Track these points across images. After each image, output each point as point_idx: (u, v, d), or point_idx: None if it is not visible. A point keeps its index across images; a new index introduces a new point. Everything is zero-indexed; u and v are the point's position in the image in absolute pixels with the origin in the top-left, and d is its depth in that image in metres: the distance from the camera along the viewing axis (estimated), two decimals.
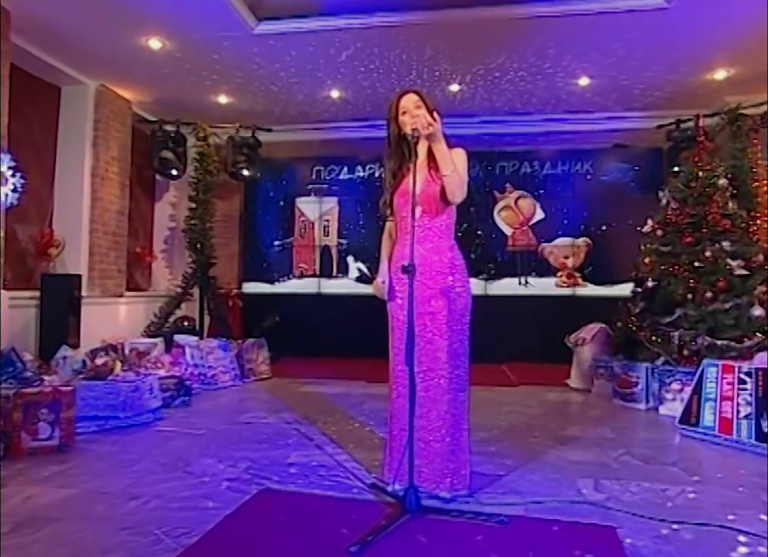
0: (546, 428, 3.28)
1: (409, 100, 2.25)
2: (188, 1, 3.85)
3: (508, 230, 6.27)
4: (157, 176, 6.31)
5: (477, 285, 6.20)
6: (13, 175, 3.98)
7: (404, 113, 2.25)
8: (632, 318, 4.15)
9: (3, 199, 3.93)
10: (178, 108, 5.85)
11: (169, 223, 6.73)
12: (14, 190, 4.00)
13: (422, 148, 2.28)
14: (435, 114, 2.10)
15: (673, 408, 3.53)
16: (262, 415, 3.58)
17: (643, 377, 3.79)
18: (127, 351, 4.67)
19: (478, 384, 4.35)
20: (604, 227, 6.08)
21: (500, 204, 6.30)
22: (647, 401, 3.77)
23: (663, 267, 4.02)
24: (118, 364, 3.83)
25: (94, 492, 2.17)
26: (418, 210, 2.21)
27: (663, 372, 3.71)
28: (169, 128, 5.90)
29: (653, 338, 3.90)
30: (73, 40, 4.41)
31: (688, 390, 3.32)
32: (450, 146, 2.24)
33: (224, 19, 4.05)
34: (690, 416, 3.08)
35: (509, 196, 6.29)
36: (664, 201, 4.26)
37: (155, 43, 4.42)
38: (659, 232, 4.15)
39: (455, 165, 2.16)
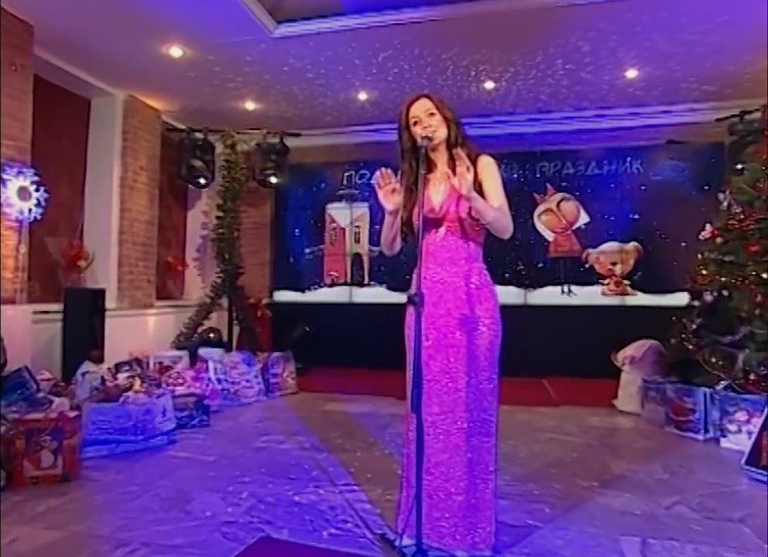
0: (588, 463, 2.93)
1: (421, 108, 1.97)
2: (204, 8, 3.72)
3: (549, 236, 5.87)
4: (182, 185, 6.27)
5: (516, 294, 5.85)
6: (37, 190, 3.96)
7: (415, 123, 1.97)
8: (688, 335, 3.71)
9: (27, 214, 3.92)
10: (206, 116, 5.79)
11: (201, 231, 6.70)
12: (37, 205, 3.97)
13: (441, 157, 2.01)
14: (459, 151, 1.79)
15: (737, 441, 3.10)
16: (280, 438, 3.39)
17: (701, 403, 3.37)
18: (152, 365, 4.61)
19: (516, 402, 4.02)
20: (656, 231, 5.57)
21: (541, 207, 5.90)
22: (706, 431, 3.35)
23: (724, 279, 3.57)
24: (137, 381, 3.73)
25: (82, 535, 2.02)
26: (442, 229, 1.94)
27: (725, 399, 3.27)
28: (197, 135, 5.83)
29: (713, 359, 3.46)
30: (98, 52, 4.39)
31: (756, 422, 2.90)
32: (475, 153, 1.96)
33: (243, 23, 3.90)
34: (760, 456, 2.66)
35: (550, 198, 5.88)
36: (725, 204, 3.80)
37: (175, 51, 4.33)
38: (719, 239, 3.69)
39: (497, 199, 1.90)
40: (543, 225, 5.88)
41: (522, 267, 5.87)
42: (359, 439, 3.41)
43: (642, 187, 5.67)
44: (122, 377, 4.01)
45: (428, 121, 1.94)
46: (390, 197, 1.91)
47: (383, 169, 1.90)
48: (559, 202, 5.83)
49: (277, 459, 2.97)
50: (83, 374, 3.63)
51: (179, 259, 6.52)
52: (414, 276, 1.86)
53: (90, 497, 2.40)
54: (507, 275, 5.78)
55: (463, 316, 1.89)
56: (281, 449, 3.18)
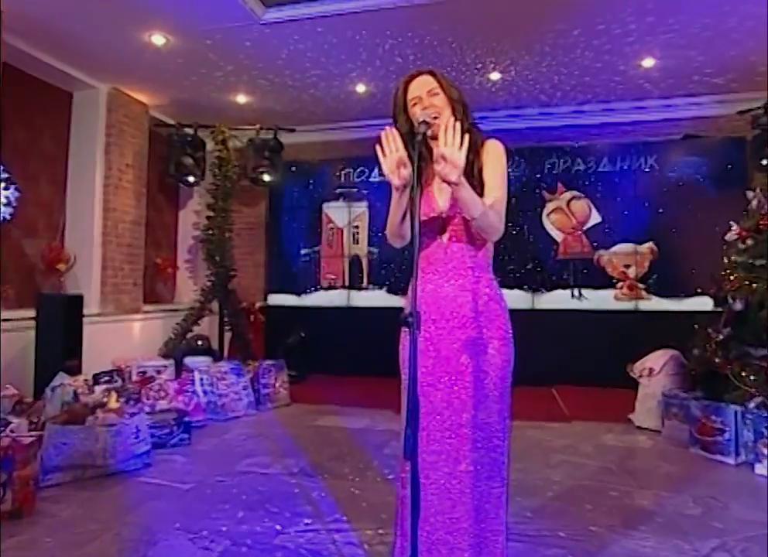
0: (608, 493, 2.61)
1: (422, 86, 1.64)
2: None
3: (558, 236, 5.54)
4: (172, 183, 5.97)
5: (524, 298, 5.52)
6: (6, 188, 3.67)
7: (415, 104, 1.65)
8: (715, 346, 3.39)
9: None
10: (196, 110, 5.49)
11: (193, 231, 6.39)
12: (7, 204, 3.68)
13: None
14: (457, 123, 1.41)
15: None
16: (266, 460, 3.09)
17: (732, 423, 3.04)
18: (134, 375, 4.32)
19: (525, 417, 3.69)
20: (672, 232, 5.24)
21: (550, 206, 5.57)
22: (737, 454, 3.02)
23: (755, 285, 3.24)
24: (113, 396, 3.45)
25: None
26: (445, 234, 1.63)
27: (759, 419, 2.95)
28: (186, 131, 5.54)
29: (743, 374, 3.14)
30: (77, 41, 4.09)
31: None
32: (481, 140, 1.65)
33: (228, 7, 3.59)
34: None
35: (559, 197, 5.56)
36: (755, 203, 3.47)
37: (158, 39, 4.02)
38: (749, 241, 3.37)
39: (494, 191, 1.57)
40: (552, 225, 5.56)
41: (529, 269, 5.54)
42: (353, 461, 3.10)
43: (658, 184, 5.33)
44: (99, 389, 3.74)
45: (429, 101, 1.62)
46: (397, 169, 1.48)
47: (389, 128, 1.51)
48: (570, 200, 5.50)
49: (260, 487, 2.66)
50: (53, 389, 3.34)
51: (169, 261, 6.22)
52: (409, 290, 1.53)
53: (40, 539, 2.09)
54: (514, 277, 5.46)
55: (469, 337, 1.58)
56: (266, 473, 2.88)
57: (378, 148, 1.49)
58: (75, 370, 3.89)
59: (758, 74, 4.53)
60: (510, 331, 1.63)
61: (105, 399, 3.40)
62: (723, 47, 4.14)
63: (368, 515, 2.34)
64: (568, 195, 5.50)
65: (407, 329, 1.39)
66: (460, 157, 1.39)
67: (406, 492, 1.61)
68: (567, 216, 5.52)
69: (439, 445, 1.60)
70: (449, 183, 1.45)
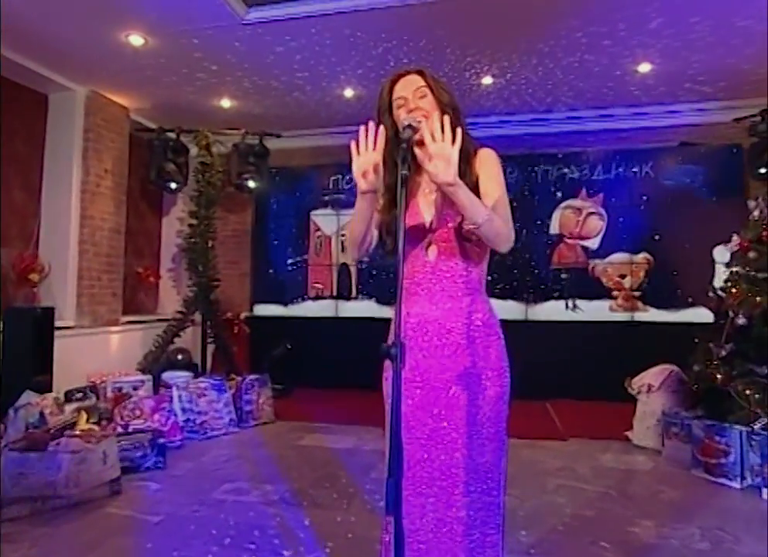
0: (608, 524, 2.44)
1: (409, 86, 1.49)
2: None
3: (555, 229, 5.35)
4: (154, 190, 5.77)
5: (516, 309, 5.37)
6: None
7: (400, 105, 1.49)
8: (717, 362, 3.24)
9: None
10: (180, 114, 5.30)
11: (176, 239, 6.19)
12: None
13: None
14: (446, 117, 1.27)
15: None
16: (244, 487, 2.89)
17: (737, 444, 2.89)
18: (109, 392, 4.10)
19: (518, 434, 3.51)
20: (668, 241, 5.11)
21: (566, 203, 5.37)
22: (742, 478, 2.87)
23: (758, 298, 3.11)
24: (83, 417, 3.24)
25: None
26: (432, 251, 1.46)
27: (765, 440, 2.80)
28: (169, 136, 5.35)
29: (748, 392, 3.00)
30: (51, 41, 3.89)
31: None
32: (474, 149, 1.49)
33: (207, 6, 3.43)
34: None
35: (583, 202, 5.34)
36: (756, 213, 3.35)
37: (136, 40, 3.84)
38: (752, 253, 3.23)
39: (492, 195, 1.41)
40: (559, 219, 5.36)
41: (522, 278, 5.38)
42: (338, 486, 2.92)
43: (654, 192, 5.21)
44: (70, 409, 3.53)
45: (416, 103, 1.46)
46: (368, 172, 1.31)
47: (371, 123, 1.33)
48: (590, 213, 5.31)
49: (236, 519, 2.47)
50: (16, 410, 3.12)
51: (151, 270, 6.00)
52: (393, 315, 1.35)
53: None
54: (507, 287, 5.30)
55: (461, 367, 1.41)
56: (243, 502, 2.68)
57: (353, 144, 1.32)
58: (45, 387, 3.67)
59: (753, 82, 4.43)
60: (506, 361, 1.47)
61: (75, 419, 3.19)
62: (719, 54, 4.04)
63: (354, 550, 2.17)
64: (589, 205, 5.32)
65: (391, 365, 1.22)
66: (453, 153, 1.23)
67: (392, 537, 1.44)
68: (577, 222, 5.33)
69: (427, 488, 1.42)
70: (443, 186, 1.28)
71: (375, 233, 1.51)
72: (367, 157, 1.31)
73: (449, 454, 1.41)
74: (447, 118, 1.26)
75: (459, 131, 1.25)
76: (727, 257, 4.80)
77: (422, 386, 1.43)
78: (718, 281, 4.89)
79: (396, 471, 1.18)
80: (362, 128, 1.31)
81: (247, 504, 2.66)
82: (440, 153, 1.24)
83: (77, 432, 2.86)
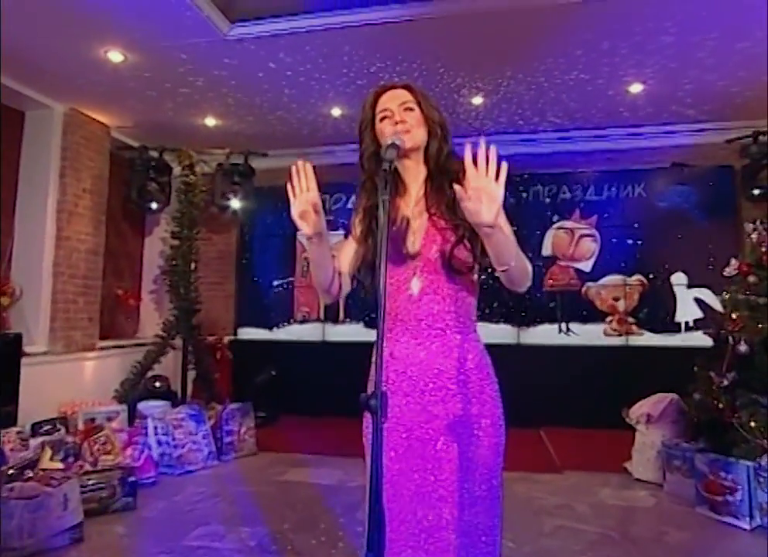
0: None
1: (395, 98, 1.36)
2: (144, 3, 3.13)
3: (547, 250, 5.23)
4: (136, 209, 5.60)
5: (508, 333, 5.22)
6: None
7: (384, 118, 1.36)
8: (718, 391, 3.10)
9: None
10: (162, 132, 5.16)
11: (159, 260, 5.99)
12: None
13: (414, 176, 1.40)
14: (492, 147, 1.11)
15: None
16: (220, 530, 2.68)
17: (744, 481, 2.74)
18: (80, 424, 3.87)
19: (512, 466, 3.34)
20: (662, 263, 5.02)
21: (560, 223, 5.27)
22: (751, 516, 2.70)
23: (760, 325, 2.98)
24: (48, 453, 3.02)
25: None
26: (416, 284, 1.31)
27: None
28: (151, 155, 5.20)
29: (753, 424, 2.85)
30: (27, 56, 3.75)
31: None
32: (462, 169, 1.35)
33: (187, 22, 3.31)
34: None
35: (576, 223, 5.24)
36: (755, 236, 3.24)
37: (115, 56, 3.71)
38: (751, 278, 3.12)
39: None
40: (552, 239, 5.25)
41: (514, 301, 5.24)
42: (321, 528, 2.72)
43: (646, 213, 5.13)
44: (35, 444, 3.29)
45: (401, 116, 1.32)
46: (307, 214, 1.22)
47: (300, 162, 1.22)
48: (583, 235, 5.21)
49: None
50: None
51: (132, 292, 5.80)
52: (374, 356, 1.17)
53: None
54: (497, 310, 5.15)
55: (450, 415, 1.25)
56: (216, 550, 2.47)
57: (288, 185, 1.21)
58: (9, 420, 3.45)
59: (743, 103, 4.39)
60: (501, 407, 1.31)
61: (38, 456, 2.97)
62: (711, 76, 3.99)
63: None
64: (582, 226, 5.22)
65: (371, 417, 1.05)
66: (498, 190, 1.08)
67: None
68: (570, 244, 5.22)
69: (413, 551, 1.25)
70: (479, 227, 1.12)
71: (346, 270, 1.36)
72: (303, 197, 1.21)
73: (437, 514, 1.24)
74: (493, 148, 1.10)
75: (504, 164, 1.09)
76: (685, 281, 4.80)
77: (407, 436, 1.27)
78: (681, 307, 4.86)
79: (377, 544, 1.01)
80: (293, 168, 1.21)
81: (220, 551, 2.45)
82: (483, 188, 1.09)
83: (35, 474, 2.64)
